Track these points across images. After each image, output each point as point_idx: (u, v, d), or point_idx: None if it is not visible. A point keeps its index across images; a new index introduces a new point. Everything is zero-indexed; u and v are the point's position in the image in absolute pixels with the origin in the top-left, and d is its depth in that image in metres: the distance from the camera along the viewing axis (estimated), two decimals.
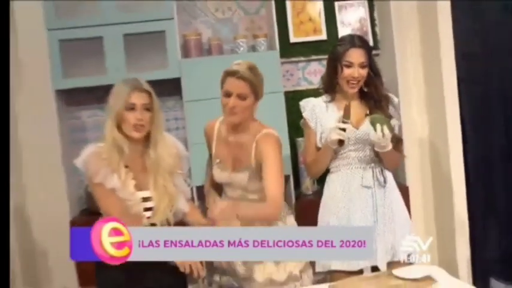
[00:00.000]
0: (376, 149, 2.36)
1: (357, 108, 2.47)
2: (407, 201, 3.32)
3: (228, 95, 2.28)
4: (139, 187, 2.21)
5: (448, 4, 3.56)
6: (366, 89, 2.46)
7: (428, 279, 2.18)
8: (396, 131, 2.46)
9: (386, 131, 2.26)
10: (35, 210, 3.69)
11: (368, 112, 2.44)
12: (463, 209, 3.65)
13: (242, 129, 2.32)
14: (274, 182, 2.20)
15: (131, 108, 2.18)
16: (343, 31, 3.84)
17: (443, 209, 3.76)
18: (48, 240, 3.73)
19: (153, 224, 2.19)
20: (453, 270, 3.56)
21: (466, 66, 3.63)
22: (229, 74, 2.29)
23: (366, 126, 2.39)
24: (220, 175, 2.41)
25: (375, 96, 2.45)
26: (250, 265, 2.36)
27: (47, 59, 3.45)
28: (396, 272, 2.25)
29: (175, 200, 2.23)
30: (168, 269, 2.14)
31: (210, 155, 2.48)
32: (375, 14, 3.89)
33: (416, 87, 3.89)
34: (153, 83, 3.37)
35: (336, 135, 2.29)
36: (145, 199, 2.21)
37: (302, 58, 3.88)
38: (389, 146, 2.33)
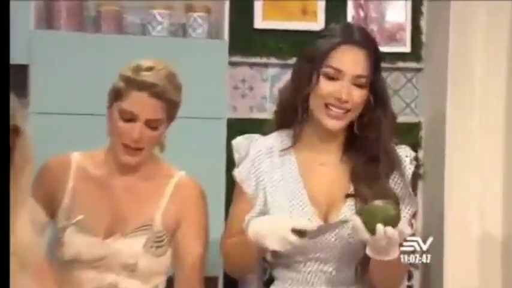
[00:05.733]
0: (370, 254, 1.79)
1: (335, 170, 1.92)
2: None
3: (129, 118, 1.94)
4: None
5: None
6: (358, 131, 1.88)
7: None
8: (405, 223, 1.85)
9: (392, 232, 1.71)
10: None
11: (352, 186, 1.88)
12: None
13: (135, 169, 2.04)
14: (197, 245, 2.03)
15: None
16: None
17: None
18: None
19: None
20: None
21: None
22: (139, 85, 1.93)
23: (347, 217, 1.86)
24: (82, 243, 2.01)
25: (371, 147, 1.89)
26: None
27: None
28: None
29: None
30: None
31: (50, 211, 2.05)
32: (423, 8, 3.18)
33: (478, 130, 3.04)
34: None
35: (278, 245, 1.76)
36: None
37: (274, 59, 3.07)
38: (396, 253, 1.77)
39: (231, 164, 2.54)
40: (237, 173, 1.97)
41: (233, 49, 2.90)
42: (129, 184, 2.03)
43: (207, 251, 2.03)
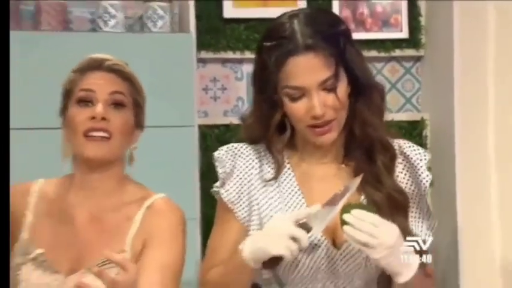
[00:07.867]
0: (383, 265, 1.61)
1: (339, 181, 1.76)
2: None
3: (88, 99, 1.81)
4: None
5: None
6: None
7: None
8: (420, 228, 1.74)
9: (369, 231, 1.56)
10: None
11: (361, 194, 1.77)
12: None
13: (104, 190, 1.86)
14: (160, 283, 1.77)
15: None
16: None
17: None
18: None
19: None
20: None
21: None
22: (91, 66, 1.84)
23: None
24: (42, 282, 1.83)
25: (365, 141, 1.76)
26: None
27: None
28: None
29: None
30: None
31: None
32: None
33: (493, 127, 2.88)
34: None
35: (283, 247, 1.60)
36: None
37: (249, 53, 2.89)
38: (410, 271, 1.62)
39: (206, 180, 2.49)
40: (225, 193, 1.79)
41: (201, 44, 2.77)
42: (97, 212, 1.88)
43: (178, 279, 1.78)
